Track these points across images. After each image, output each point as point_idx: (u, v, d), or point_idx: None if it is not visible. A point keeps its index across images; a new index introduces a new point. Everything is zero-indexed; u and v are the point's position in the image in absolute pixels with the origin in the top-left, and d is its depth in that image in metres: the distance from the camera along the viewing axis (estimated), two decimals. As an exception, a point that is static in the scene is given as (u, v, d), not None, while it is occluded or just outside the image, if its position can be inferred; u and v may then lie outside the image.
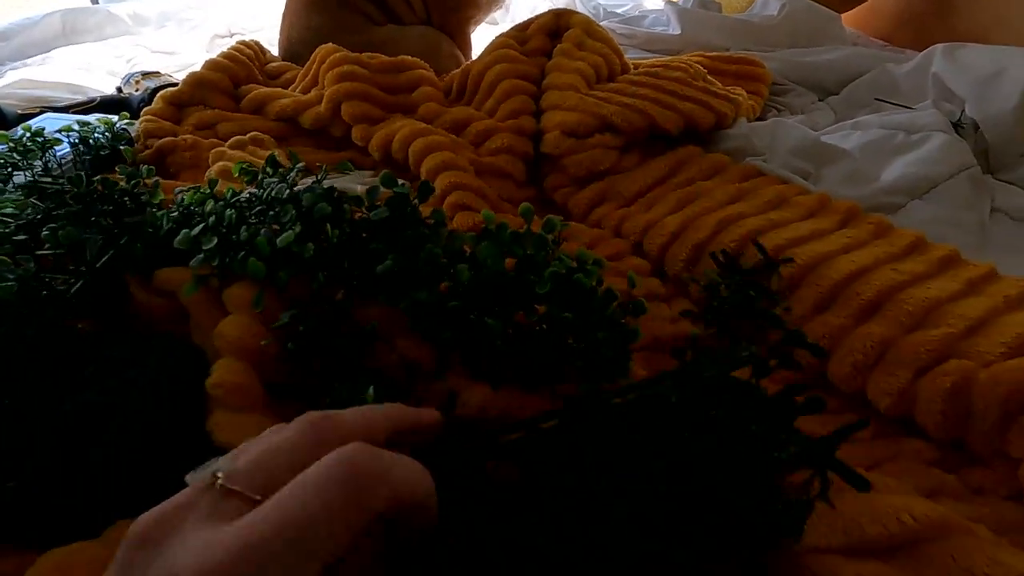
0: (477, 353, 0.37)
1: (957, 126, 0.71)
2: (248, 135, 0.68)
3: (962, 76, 0.74)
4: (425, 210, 0.57)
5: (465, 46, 0.98)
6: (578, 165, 0.63)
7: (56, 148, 0.62)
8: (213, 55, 0.85)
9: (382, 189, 0.41)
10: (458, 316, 0.36)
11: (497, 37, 0.78)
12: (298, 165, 0.44)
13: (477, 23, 1.00)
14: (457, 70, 0.77)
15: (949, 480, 0.37)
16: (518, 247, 0.39)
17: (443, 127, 0.68)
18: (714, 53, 0.91)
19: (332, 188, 0.42)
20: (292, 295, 0.41)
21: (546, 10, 0.80)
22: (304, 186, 0.44)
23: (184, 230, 0.41)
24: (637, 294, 0.53)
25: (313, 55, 0.78)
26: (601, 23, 1.17)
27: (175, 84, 0.84)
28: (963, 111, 0.72)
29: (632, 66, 0.79)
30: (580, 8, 1.27)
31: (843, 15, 1.23)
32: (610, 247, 0.58)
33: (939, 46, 0.80)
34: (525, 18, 0.82)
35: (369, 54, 0.74)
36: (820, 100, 0.90)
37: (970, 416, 0.37)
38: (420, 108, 0.71)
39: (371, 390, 0.31)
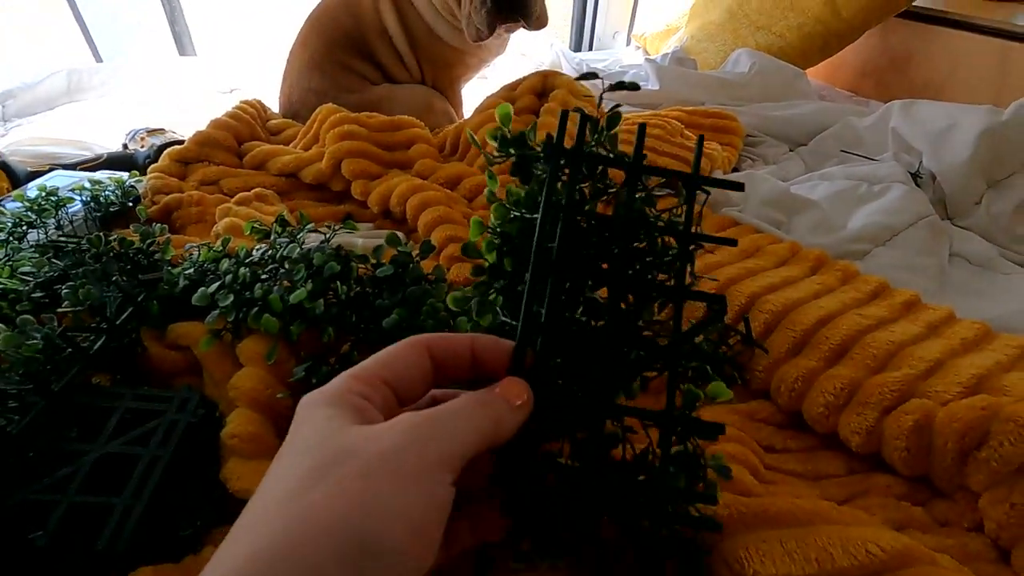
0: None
1: (916, 176, 0.77)
2: (252, 191, 0.72)
3: (918, 130, 0.80)
4: (429, 262, 0.61)
5: (456, 102, 1.04)
6: (566, 217, 0.67)
7: (68, 206, 0.65)
8: (215, 111, 0.89)
9: (386, 247, 0.44)
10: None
11: (488, 97, 0.83)
12: (308, 226, 0.47)
13: (467, 80, 1.06)
14: (451, 127, 0.82)
15: (917, 513, 0.40)
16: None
17: (438, 182, 0.72)
18: (691, 107, 0.97)
19: (340, 247, 0.46)
20: (302, 348, 0.43)
21: (533, 71, 0.85)
22: (311, 243, 0.47)
23: (201, 288, 0.43)
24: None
25: (314, 114, 0.82)
26: (584, 78, 1.25)
27: (180, 141, 0.89)
28: (921, 162, 0.78)
29: (614, 122, 0.84)
30: (564, 64, 1.34)
31: (810, 69, 1.31)
32: (598, 294, 0.61)
33: (897, 102, 0.87)
34: (511, 74, 0.87)
35: (367, 113, 0.79)
36: (791, 151, 0.96)
37: (931, 452, 0.40)
38: (416, 164, 0.75)
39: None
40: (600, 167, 0.30)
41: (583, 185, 0.30)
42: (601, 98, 0.33)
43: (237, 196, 0.71)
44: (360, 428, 0.21)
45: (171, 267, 0.51)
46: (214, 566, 0.19)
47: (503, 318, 0.31)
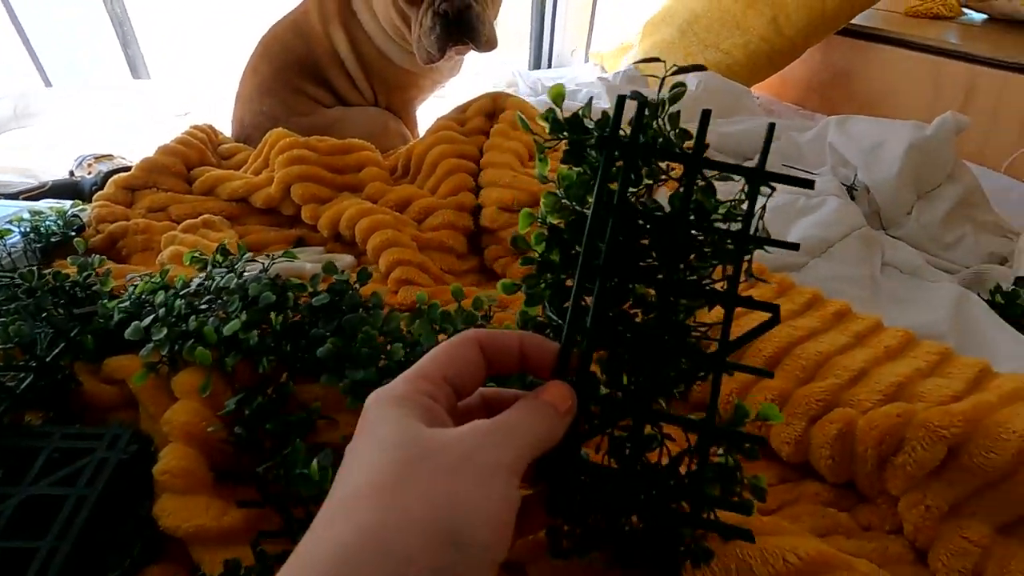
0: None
1: (851, 189, 0.80)
2: (200, 218, 0.71)
3: (852, 145, 0.84)
4: (369, 287, 0.61)
5: (411, 123, 1.05)
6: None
7: (7, 238, 0.64)
8: (169, 134, 0.88)
9: (323, 275, 0.45)
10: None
11: (438, 119, 0.84)
12: (245, 255, 0.47)
13: (422, 101, 1.07)
14: (402, 149, 0.83)
15: (842, 519, 0.42)
16: (448, 323, 0.43)
17: (388, 205, 0.73)
18: (641, 125, 0.99)
19: (277, 276, 0.46)
20: (239, 380, 0.43)
21: (484, 93, 0.87)
22: (252, 272, 0.47)
23: (135, 322, 0.43)
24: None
25: (264, 139, 0.82)
26: (540, 96, 1.27)
27: (128, 167, 0.87)
28: (856, 176, 0.81)
29: (564, 142, 0.86)
30: (521, 83, 1.37)
31: (760, 84, 1.36)
32: (545, 313, 0.62)
33: (833, 118, 0.91)
34: (469, 92, 0.89)
35: (318, 137, 0.79)
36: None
37: (854, 459, 0.42)
38: (367, 187, 0.75)
39: (315, 463, 0.34)
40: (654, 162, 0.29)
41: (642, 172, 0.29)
42: (662, 82, 0.30)
43: (183, 223, 0.70)
44: (437, 431, 0.22)
45: (110, 299, 0.50)
46: (302, 555, 0.20)
47: (549, 313, 0.31)
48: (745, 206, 0.28)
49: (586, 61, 1.84)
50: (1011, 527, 0.38)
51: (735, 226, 0.28)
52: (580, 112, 0.30)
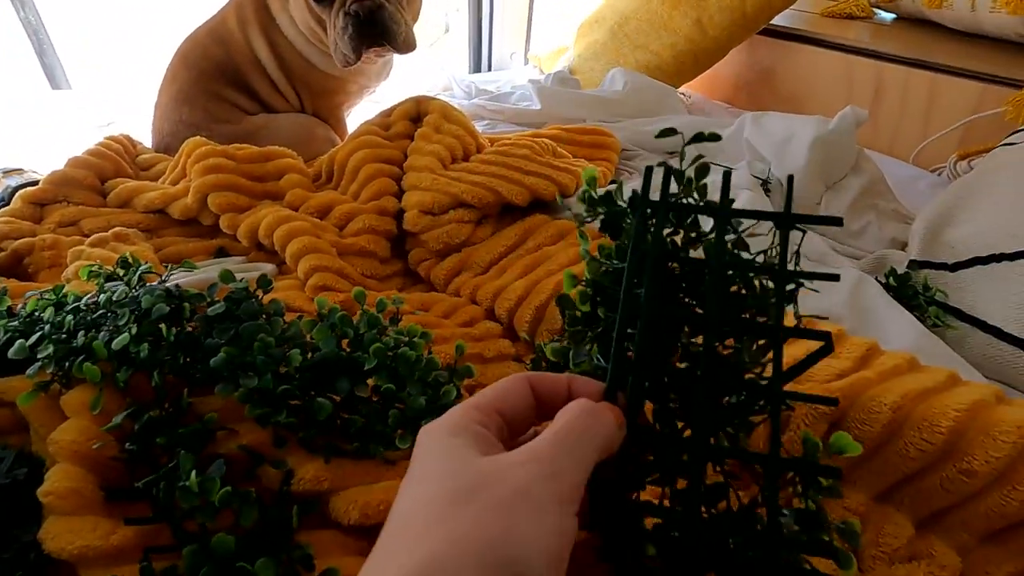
0: (312, 430, 0.40)
1: (766, 183, 0.84)
2: (111, 231, 0.69)
3: (766, 140, 0.87)
4: (289, 295, 0.60)
5: (340, 129, 1.04)
6: (436, 240, 0.69)
7: None
8: (90, 146, 0.85)
9: (220, 285, 0.44)
10: (290, 399, 0.39)
11: (362, 124, 0.84)
12: (141, 267, 0.46)
13: (351, 107, 1.07)
14: (324, 156, 0.82)
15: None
16: (349, 327, 0.43)
17: (309, 212, 0.72)
18: (571, 125, 1.01)
19: (176, 287, 0.45)
20: (136, 394, 0.42)
21: (407, 97, 0.87)
22: (178, 280, 0.46)
23: (20, 340, 0.42)
24: (488, 356, 0.59)
25: (181, 148, 0.80)
26: (473, 100, 1.28)
27: (37, 182, 0.84)
28: (770, 170, 0.85)
29: (489, 142, 0.87)
30: (456, 87, 1.37)
31: (690, 83, 1.40)
32: (466, 313, 0.63)
33: (749, 115, 0.94)
34: (403, 96, 0.89)
35: (236, 145, 0.78)
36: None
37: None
38: (287, 195, 0.74)
39: (193, 474, 0.34)
40: (691, 217, 0.31)
41: (675, 237, 0.31)
42: (682, 155, 0.32)
43: (92, 237, 0.68)
44: (490, 459, 0.22)
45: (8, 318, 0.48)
46: None
47: (597, 362, 0.32)
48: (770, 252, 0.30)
49: (525, 63, 1.86)
50: (885, 494, 0.41)
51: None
52: (612, 193, 0.33)
